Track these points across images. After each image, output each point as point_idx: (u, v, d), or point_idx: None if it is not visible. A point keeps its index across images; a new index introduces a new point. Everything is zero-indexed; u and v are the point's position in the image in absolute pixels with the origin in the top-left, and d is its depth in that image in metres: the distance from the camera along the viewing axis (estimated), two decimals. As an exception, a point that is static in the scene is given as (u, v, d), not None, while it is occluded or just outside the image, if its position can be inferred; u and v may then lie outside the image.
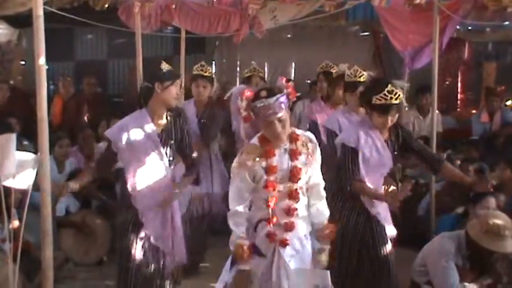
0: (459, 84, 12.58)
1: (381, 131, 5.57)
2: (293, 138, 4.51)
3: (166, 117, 5.41)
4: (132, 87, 10.20)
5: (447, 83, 12.32)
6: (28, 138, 8.06)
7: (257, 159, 4.42)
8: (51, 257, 4.69)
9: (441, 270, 5.57)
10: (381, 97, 5.36)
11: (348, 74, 6.56)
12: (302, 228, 4.59)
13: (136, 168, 5.29)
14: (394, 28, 8.78)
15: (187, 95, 10.56)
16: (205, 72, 7.25)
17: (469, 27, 10.03)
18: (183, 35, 9.53)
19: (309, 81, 11.24)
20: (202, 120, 7.18)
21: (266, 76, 12.82)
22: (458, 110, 12.42)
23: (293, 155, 4.48)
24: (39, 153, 4.60)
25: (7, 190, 4.56)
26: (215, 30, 9.35)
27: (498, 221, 5.45)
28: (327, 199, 4.77)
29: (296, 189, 4.50)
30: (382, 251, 5.61)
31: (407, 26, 8.54)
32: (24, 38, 12.47)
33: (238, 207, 4.46)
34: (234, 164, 4.52)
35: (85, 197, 8.02)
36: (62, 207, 7.84)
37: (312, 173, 4.62)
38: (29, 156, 4.66)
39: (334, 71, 7.73)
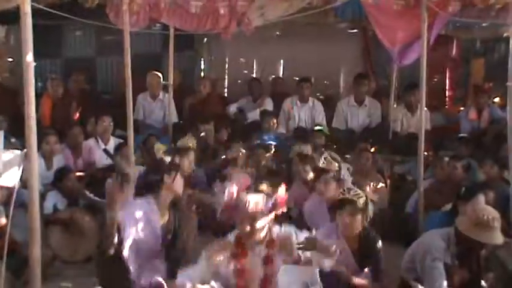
0: (447, 81, 12.61)
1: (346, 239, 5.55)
2: (268, 244, 4.45)
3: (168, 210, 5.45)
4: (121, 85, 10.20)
5: (435, 80, 12.34)
6: (16, 136, 8.05)
7: (223, 258, 4.40)
8: (39, 254, 4.69)
9: (428, 268, 5.58)
10: (341, 192, 5.49)
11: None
12: None
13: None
14: (382, 25, 8.78)
15: (178, 93, 10.62)
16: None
17: (457, 24, 10.04)
18: (171, 32, 9.53)
19: (297, 79, 11.26)
20: None
21: (255, 73, 12.85)
22: (447, 107, 12.45)
23: (267, 261, 4.43)
24: (25, 150, 4.59)
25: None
26: (204, 27, 9.33)
27: (487, 214, 5.48)
28: None
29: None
30: None
31: (396, 23, 8.55)
32: (12, 35, 12.41)
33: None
34: (206, 253, 4.50)
35: (73, 195, 7.99)
36: (50, 205, 7.80)
37: None
38: (15, 154, 4.65)
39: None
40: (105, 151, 9.09)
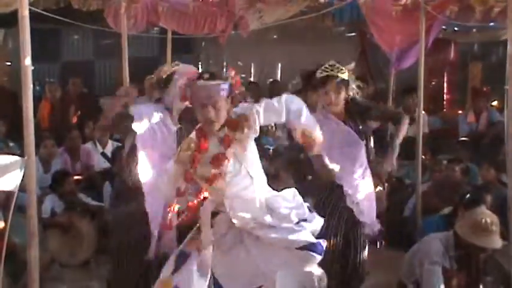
0: (445, 85, 12.63)
1: (333, 113, 5.51)
2: (228, 124, 4.22)
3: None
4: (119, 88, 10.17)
5: (433, 83, 12.37)
6: (15, 140, 8.05)
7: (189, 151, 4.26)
8: (37, 258, 4.67)
9: (427, 272, 5.59)
10: (322, 70, 5.41)
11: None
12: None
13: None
14: (380, 29, 8.79)
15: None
16: None
17: (455, 28, 10.06)
18: (169, 35, 9.53)
19: (294, 82, 11.26)
20: None
21: (253, 77, 12.85)
22: (445, 110, 12.46)
23: (225, 142, 4.19)
24: (25, 157, 4.58)
25: (-8, 191, 4.55)
26: (201, 30, 9.34)
27: (486, 218, 5.48)
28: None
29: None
30: (358, 254, 5.61)
31: (394, 27, 8.55)
32: (10, 38, 12.42)
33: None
34: (174, 157, 4.40)
35: (70, 198, 7.99)
36: (48, 208, 7.80)
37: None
38: (13, 159, 4.64)
39: None
40: (103, 155, 9.10)
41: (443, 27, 9.06)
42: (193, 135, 4.31)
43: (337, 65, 5.44)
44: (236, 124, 4.16)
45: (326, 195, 5.58)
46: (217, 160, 4.16)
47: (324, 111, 5.53)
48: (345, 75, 5.44)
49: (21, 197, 5.16)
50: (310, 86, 5.61)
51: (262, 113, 4.18)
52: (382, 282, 6.26)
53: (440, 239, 5.71)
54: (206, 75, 4.16)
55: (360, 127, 5.61)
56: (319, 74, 5.41)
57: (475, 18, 7.97)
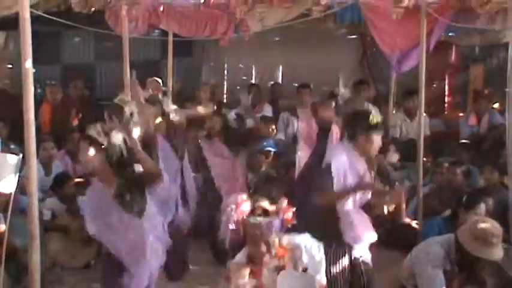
0: (446, 87, 12.62)
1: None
2: (279, 255, 4.44)
3: None
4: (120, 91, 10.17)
5: (434, 86, 12.35)
6: (16, 142, 8.04)
7: (246, 278, 4.39)
8: (39, 260, 4.67)
9: (427, 275, 5.57)
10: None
11: None
12: None
13: None
14: (381, 31, 8.78)
15: (178, 98, 10.60)
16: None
17: (456, 31, 10.05)
18: (170, 38, 9.54)
19: (296, 85, 11.25)
20: None
21: (254, 79, 12.85)
22: (446, 113, 12.45)
23: (280, 271, 4.40)
24: (20, 155, 4.59)
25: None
26: (202, 33, 9.35)
27: (487, 228, 5.44)
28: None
29: None
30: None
31: (395, 29, 8.54)
32: (11, 41, 12.42)
33: None
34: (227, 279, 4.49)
35: (71, 201, 7.98)
36: (48, 211, 7.80)
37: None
38: (11, 159, 4.64)
39: None
40: (104, 157, 9.09)
41: (445, 29, 9.01)
42: (242, 258, 4.46)
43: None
44: (286, 253, 4.41)
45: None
46: None
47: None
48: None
49: (22, 200, 5.17)
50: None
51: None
52: (382, 285, 6.24)
53: (441, 243, 5.68)
54: (259, 211, 4.30)
55: None
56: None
57: (476, 21, 7.97)
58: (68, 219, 7.73)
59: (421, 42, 7.73)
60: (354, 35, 12.49)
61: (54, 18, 8.09)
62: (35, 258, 4.64)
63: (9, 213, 4.64)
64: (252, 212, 4.34)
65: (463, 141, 9.93)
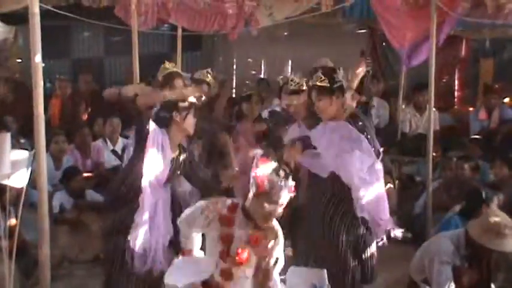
0: (456, 82, 12.57)
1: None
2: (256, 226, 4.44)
3: (179, 148, 5.50)
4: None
5: (444, 80, 12.30)
6: (26, 136, 8.05)
7: (214, 215, 4.43)
8: (48, 254, 4.69)
9: (436, 271, 5.57)
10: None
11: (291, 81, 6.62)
12: None
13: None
14: (391, 25, 8.75)
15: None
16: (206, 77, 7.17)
17: (467, 24, 9.99)
18: (179, 32, 9.53)
19: (305, 80, 11.20)
20: None
21: (263, 73, 12.83)
22: (456, 107, 12.40)
23: (249, 240, 4.41)
24: (33, 150, 4.60)
25: (3, 187, 4.55)
26: (211, 27, 9.34)
27: (499, 220, 5.43)
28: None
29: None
30: (367, 255, 5.63)
31: (404, 23, 8.52)
32: (21, 35, 12.43)
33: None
34: (202, 203, 4.55)
35: (80, 195, 8.00)
36: (56, 204, 7.81)
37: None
38: (23, 154, 4.66)
39: None
40: (114, 152, 9.11)
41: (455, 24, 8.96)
42: (227, 202, 4.49)
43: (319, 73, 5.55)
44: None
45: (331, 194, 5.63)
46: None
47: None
48: (322, 82, 5.52)
49: (32, 194, 5.18)
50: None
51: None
52: (392, 279, 6.24)
53: (451, 238, 5.67)
54: (282, 173, 4.28)
55: (360, 123, 5.57)
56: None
57: (487, 15, 7.93)
58: (76, 213, 7.75)
59: (431, 36, 7.69)
60: (363, 29, 12.46)
61: (64, 12, 8.10)
62: (45, 253, 4.65)
63: (20, 207, 4.65)
64: (276, 172, 4.30)
65: (473, 136, 9.90)
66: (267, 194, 4.23)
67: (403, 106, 10.63)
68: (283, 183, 4.23)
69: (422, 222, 7.73)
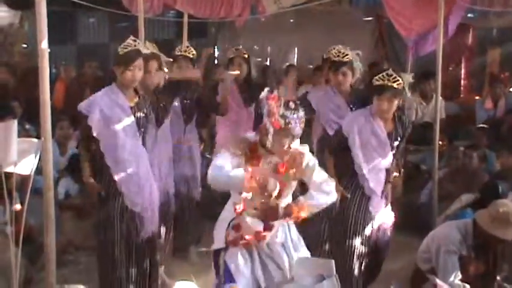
0: (463, 70, 12.54)
1: (381, 118, 5.59)
2: (282, 154, 4.50)
3: (138, 96, 5.47)
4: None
5: (451, 69, 12.27)
6: (31, 122, 8.04)
7: (240, 152, 4.46)
8: (54, 240, 4.68)
9: (443, 260, 5.57)
10: (379, 78, 5.42)
11: (332, 53, 6.55)
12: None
13: (111, 142, 5.27)
14: (398, 13, 8.72)
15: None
16: (189, 53, 7.16)
17: (474, 13, 9.96)
18: (185, 19, 9.50)
19: (311, 66, 11.21)
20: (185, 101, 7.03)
21: (269, 61, 12.80)
22: (462, 96, 12.38)
23: (277, 169, 4.47)
24: (42, 139, 4.58)
25: (8, 174, 4.55)
26: (218, 14, 9.32)
27: (506, 209, 5.44)
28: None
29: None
30: (380, 234, 5.65)
31: (412, 11, 8.48)
32: (27, 21, 12.42)
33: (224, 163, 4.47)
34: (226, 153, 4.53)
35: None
36: (62, 191, 7.82)
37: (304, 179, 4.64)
38: (31, 142, 4.65)
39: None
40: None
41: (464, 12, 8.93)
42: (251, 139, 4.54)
43: (394, 74, 5.46)
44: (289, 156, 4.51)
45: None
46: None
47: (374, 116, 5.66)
48: (399, 84, 5.47)
49: (37, 180, 5.17)
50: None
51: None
52: (398, 267, 6.24)
53: (458, 227, 5.68)
54: (292, 105, 4.35)
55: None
56: (376, 82, 5.45)
57: (494, 3, 7.89)
58: (81, 200, 7.75)
59: (438, 25, 7.64)
60: (370, 17, 12.42)
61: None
62: (51, 239, 4.65)
63: (28, 194, 4.64)
64: (286, 106, 4.36)
65: (479, 125, 9.87)
66: (283, 129, 4.31)
67: (409, 94, 10.58)
68: (295, 115, 4.31)
69: (428, 211, 7.72)
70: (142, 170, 5.39)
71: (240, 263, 4.51)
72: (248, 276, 4.52)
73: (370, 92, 5.58)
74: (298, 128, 4.36)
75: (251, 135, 4.62)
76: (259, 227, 4.47)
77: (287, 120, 4.29)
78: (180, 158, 6.91)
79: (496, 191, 6.51)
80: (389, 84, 5.39)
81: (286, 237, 4.63)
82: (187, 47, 7.18)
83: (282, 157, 4.48)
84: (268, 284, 4.56)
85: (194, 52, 7.15)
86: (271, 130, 4.32)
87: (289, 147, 4.42)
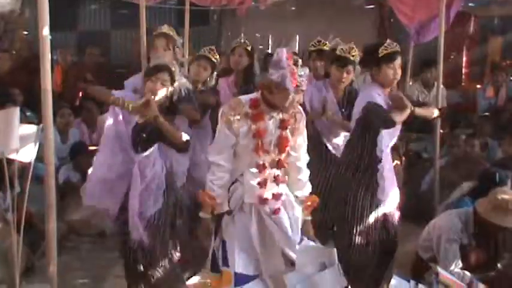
0: (464, 59, 12.52)
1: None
2: (285, 109, 4.59)
3: None
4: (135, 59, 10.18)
5: (452, 57, 12.25)
6: (32, 109, 8.03)
7: (237, 117, 4.52)
8: (55, 228, 4.68)
9: (443, 249, 5.58)
10: (386, 47, 5.43)
11: (340, 49, 6.53)
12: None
13: None
14: (399, 1, 8.70)
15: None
16: (212, 56, 7.08)
17: (475, 1, 9.94)
18: (187, 6, 9.47)
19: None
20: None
21: (270, 48, 12.77)
22: (463, 84, 12.36)
23: (283, 124, 4.58)
24: (41, 125, 4.58)
25: (9, 160, 4.55)
26: (219, 2, 9.30)
27: (506, 197, 5.45)
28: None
29: (281, 160, 4.62)
30: (388, 224, 5.60)
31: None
32: (27, 7, 12.38)
33: (219, 160, 4.58)
34: (219, 116, 4.61)
35: (85, 168, 8.00)
36: (62, 178, 7.83)
37: (294, 144, 4.72)
38: (32, 129, 4.65)
39: (327, 47, 7.60)
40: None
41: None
42: (243, 100, 4.61)
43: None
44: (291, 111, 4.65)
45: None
46: (283, 142, 4.62)
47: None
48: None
49: (39, 167, 5.17)
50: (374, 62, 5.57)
51: None
52: (398, 256, 6.24)
53: (459, 215, 5.69)
54: (300, 61, 4.48)
55: None
56: (384, 51, 5.42)
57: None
58: (81, 187, 7.75)
59: (439, 12, 7.62)
60: (371, 5, 12.39)
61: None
62: (52, 227, 4.64)
63: (28, 181, 4.64)
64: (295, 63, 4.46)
65: (481, 113, 9.87)
66: (297, 87, 4.42)
67: (411, 83, 10.58)
68: (303, 72, 4.45)
69: (429, 199, 7.72)
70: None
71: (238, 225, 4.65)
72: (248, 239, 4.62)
73: (375, 64, 5.50)
74: (305, 85, 4.51)
75: (244, 96, 4.67)
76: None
77: (301, 79, 4.41)
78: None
79: (493, 179, 6.49)
80: (396, 49, 5.42)
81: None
82: (212, 49, 7.10)
83: (288, 113, 4.58)
84: (268, 245, 4.64)
85: (217, 57, 7.06)
86: (291, 88, 4.35)
87: (298, 103, 4.62)
